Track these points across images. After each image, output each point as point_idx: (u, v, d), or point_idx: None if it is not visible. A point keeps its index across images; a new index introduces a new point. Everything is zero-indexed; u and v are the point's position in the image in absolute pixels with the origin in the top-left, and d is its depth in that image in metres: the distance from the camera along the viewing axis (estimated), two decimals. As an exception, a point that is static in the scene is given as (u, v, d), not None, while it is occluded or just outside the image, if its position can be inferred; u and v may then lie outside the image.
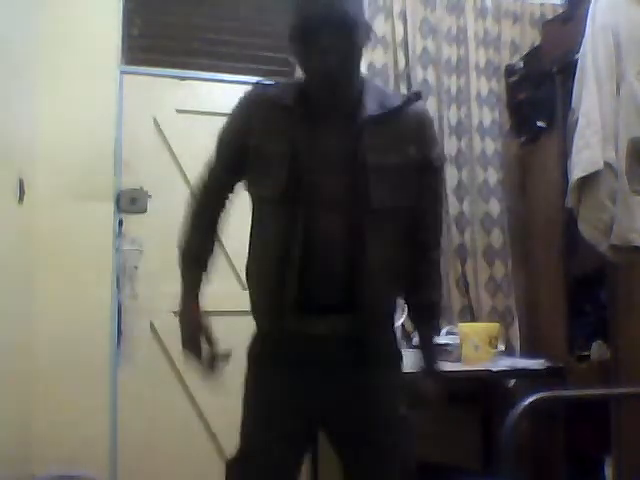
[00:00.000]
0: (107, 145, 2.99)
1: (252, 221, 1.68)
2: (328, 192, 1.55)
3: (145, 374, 3.00)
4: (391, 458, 1.65)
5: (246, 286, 1.70)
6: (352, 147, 1.55)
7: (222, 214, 1.77)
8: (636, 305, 2.59)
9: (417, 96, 1.66)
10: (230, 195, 1.76)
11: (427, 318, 1.82)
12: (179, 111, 3.15)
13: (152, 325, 3.05)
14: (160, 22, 3.18)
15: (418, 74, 3.26)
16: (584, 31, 2.66)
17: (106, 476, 2.86)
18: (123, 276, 3.03)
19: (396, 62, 3.26)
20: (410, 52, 3.25)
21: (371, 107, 1.57)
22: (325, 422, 1.68)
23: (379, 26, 3.26)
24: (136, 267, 3.05)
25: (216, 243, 1.77)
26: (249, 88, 1.70)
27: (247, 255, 1.69)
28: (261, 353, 1.68)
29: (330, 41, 1.47)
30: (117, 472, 2.93)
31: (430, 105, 3.27)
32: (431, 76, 3.29)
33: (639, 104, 2.54)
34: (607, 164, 2.55)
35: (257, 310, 1.66)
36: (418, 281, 1.75)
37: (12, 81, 2.55)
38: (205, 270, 1.74)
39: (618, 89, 2.58)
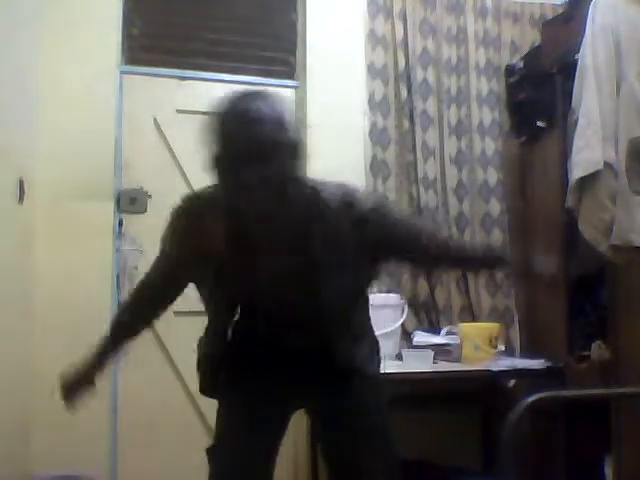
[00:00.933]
0: (107, 145, 2.99)
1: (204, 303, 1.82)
2: (274, 288, 1.64)
3: (145, 374, 3.00)
4: (370, 443, 1.75)
5: None
6: (297, 242, 1.62)
7: (165, 305, 1.87)
8: (636, 305, 2.59)
9: (347, 193, 1.70)
10: (178, 293, 1.83)
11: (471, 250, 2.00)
12: (179, 111, 3.15)
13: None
14: (160, 22, 3.18)
15: (418, 74, 3.27)
16: (584, 31, 2.65)
17: (106, 476, 2.86)
18: (123, 276, 3.03)
19: (396, 62, 3.27)
20: (410, 52, 3.26)
21: (306, 208, 1.63)
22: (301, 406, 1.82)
23: (379, 26, 3.27)
24: (136, 267, 3.05)
25: (146, 328, 1.90)
26: (180, 202, 1.77)
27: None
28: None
29: (258, 171, 1.48)
30: (117, 472, 2.93)
31: (430, 105, 3.28)
32: (431, 76, 3.30)
33: (639, 104, 2.54)
34: (607, 164, 2.55)
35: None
36: (441, 250, 1.84)
37: (12, 81, 2.55)
38: (120, 347, 1.87)
39: (618, 89, 2.58)
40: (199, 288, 1.80)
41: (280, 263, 1.63)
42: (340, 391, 1.72)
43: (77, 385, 1.84)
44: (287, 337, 1.67)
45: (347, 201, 1.67)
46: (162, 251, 1.80)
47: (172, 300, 1.84)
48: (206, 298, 1.80)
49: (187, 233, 1.71)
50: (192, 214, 1.71)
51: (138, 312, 1.85)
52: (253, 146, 1.47)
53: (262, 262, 1.63)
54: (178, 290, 1.81)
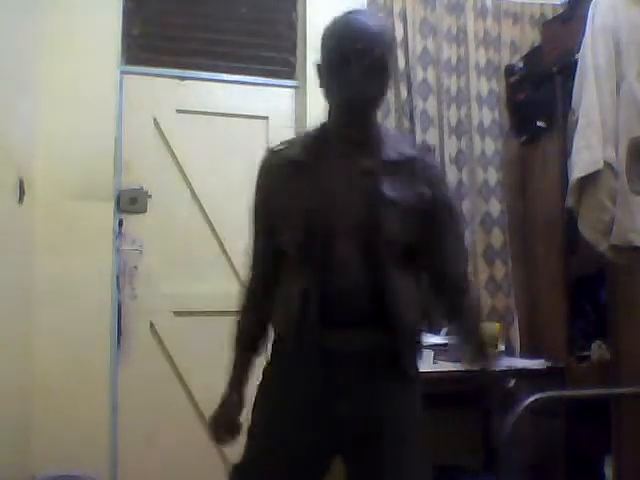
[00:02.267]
0: (107, 145, 2.99)
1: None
2: (345, 230, 1.59)
3: (145, 374, 3.00)
4: (406, 475, 1.64)
5: None
6: (369, 187, 1.59)
7: (272, 282, 1.72)
8: (636, 305, 2.59)
9: (429, 149, 1.70)
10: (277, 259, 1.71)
11: (471, 341, 1.83)
12: (179, 111, 3.15)
13: (152, 325, 3.05)
14: (160, 22, 3.18)
15: (418, 74, 3.26)
16: (584, 31, 2.66)
17: (106, 476, 2.86)
18: (123, 276, 3.03)
19: (396, 62, 3.26)
20: (410, 52, 3.25)
21: (386, 151, 1.63)
22: (341, 446, 1.68)
23: (379, 26, 3.27)
24: (136, 267, 3.05)
25: (269, 324, 1.74)
26: (264, 153, 1.73)
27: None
28: (281, 370, 1.68)
29: (363, 72, 1.53)
30: (117, 472, 2.93)
31: (430, 105, 3.27)
32: (431, 76, 3.29)
33: (639, 104, 2.54)
34: (607, 164, 2.55)
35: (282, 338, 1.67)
36: (456, 312, 1.79)
37: (12, 81, 2.54)
38: (255, 352, 1.77)
39: (618, 89, 2.58)
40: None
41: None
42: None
43: (226, 422, 1.77)
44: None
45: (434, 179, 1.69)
46: (254, 225, 1.75)
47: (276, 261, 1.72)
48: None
49: (266, 190, 1.70)
50: (270, 171, 1.70)
51: (260, 309, 1.75)
52: (373, 52, 1.54)
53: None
54: (275, 269, 1.71)
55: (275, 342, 1.70)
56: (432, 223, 1.65)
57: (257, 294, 1.75)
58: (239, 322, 1.77)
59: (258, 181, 1.73)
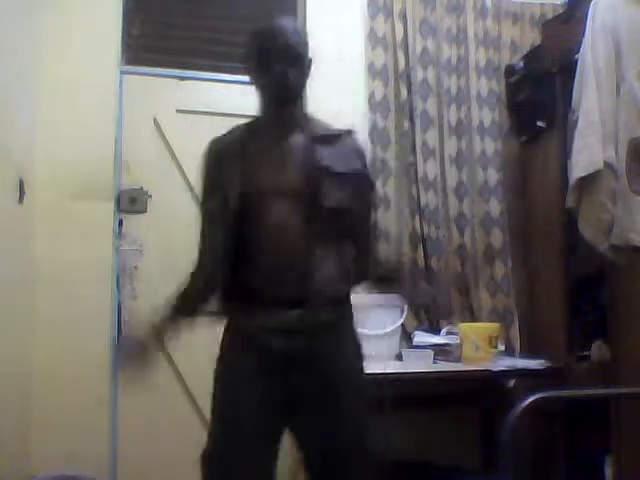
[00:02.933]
0: (107, 145, 2.99)
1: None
2: (282, 194, 1.75)
3: (145, 374, 3.00)
4: (352, 440, 1.76)
5: None
6: (303, 157, 1.79)
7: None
8: (636, 305, 2.59)
9: (352, 132, 1.94)
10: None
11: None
12: (179, 111, 3.15)
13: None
14: (160, 22, 3.18)
15: (418, 74, 3.27)
16: (584, 31, 2.66)
17: (106, 476, 2.86)
18: (123, 276, 3.03)
19: (396, 62, 3.26)
20: (410, 52, 3.26)
21: (315, 129, 1.85)
22: (290, 411, 1.78)
23: (379, 26, 3.27)
24: (136, 267, 3.05)
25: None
26: (207, 144, 1.92)
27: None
28: (229, 347, 1.84)
29: (286, 67, 1.76)
30: (117, 472, 2.93)
31: (430, 105, 3.28)
32: (431, 76, 3.30)
33: (639, 104, 2.54)
34: (607, 164, 2.55)
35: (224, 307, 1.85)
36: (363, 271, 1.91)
37: (12, 81, 2.55)
38: (194, 307, 1.92)
39: (618, 89, 2.58)
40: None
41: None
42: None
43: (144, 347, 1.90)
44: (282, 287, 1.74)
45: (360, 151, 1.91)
46: (201, 208, 1.98)
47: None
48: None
49: (210, 173, 1.89)
50: (212, 155, 1.90)
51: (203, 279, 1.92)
52: (287, 46, 1.78)
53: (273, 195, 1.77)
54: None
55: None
56: (360, 193, 1.84)
57: (205, 269, 1.91)
58: (186, 284, 1.94)
59: (202, 168, 1.91)
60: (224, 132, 1.93)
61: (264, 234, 1.75)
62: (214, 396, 1.83)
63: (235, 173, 1.78)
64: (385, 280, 2.03)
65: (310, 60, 1.87)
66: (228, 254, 1.78)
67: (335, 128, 1.91)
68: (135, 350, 1.89)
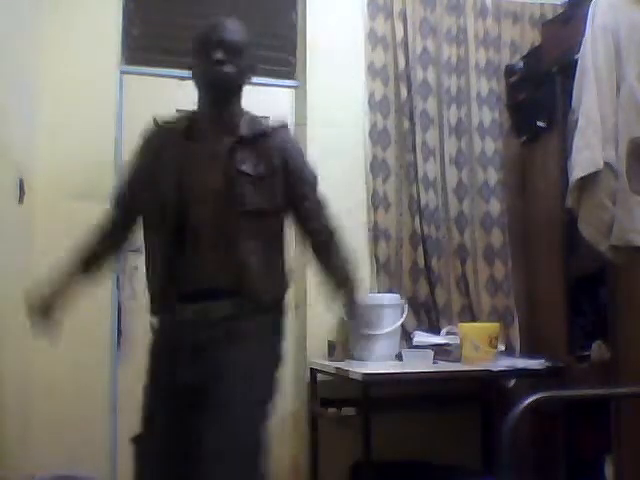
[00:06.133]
0: (107, 145, 2.99)
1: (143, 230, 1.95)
2: (203, 195, 1.83)
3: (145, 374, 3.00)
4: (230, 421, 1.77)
5: None
6: (225, 160, 1.84)
7: (124, 239, 2.06)
8: (636, 305, 2.59)
9: (283, 124, 2.00)
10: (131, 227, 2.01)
11: (346, 286, 1.99)
12: (179, 111, 3.14)
13: (152, 325, 3.04)
14: (160, 22, 3.18)
15: (418, 74, 3.27)
16: (584, 31, 2.66)
17: (106, 476, 2.86)
18: (123, 276, 3.03)
19: (396, 62, 3.27)
20: (410, 52, 3.26)
21: (243, 129, 1.89)
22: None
23: (379, 26, 3.27)
24: (136, 267, 3.04)
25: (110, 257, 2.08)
26: (151, 122, 1.97)
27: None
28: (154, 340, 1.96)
29: (225, 56, 1.83)
30: (117, 472, 2.93)
31: (430, 105, 3.28)
32: (431, 76, 3.30)
33: (639, 104, 2.54)
34: (607, 164, 2.55)
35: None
36: (327, 261, 1.97)
37: (12, 81, 2.54)
38: (91, 264, 2.06)
39: (618, 89, 2.58)
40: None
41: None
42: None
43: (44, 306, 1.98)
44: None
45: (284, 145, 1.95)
46: (124, 176, 2.03)
47: (126, 235, 2.04)
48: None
49: (143, 158, 1.95)
50: (149, 141, 1.96)
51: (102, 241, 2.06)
52: (226, 38, 1.87)
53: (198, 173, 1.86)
54: (131, 220, 2.00)
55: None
56: (288, 188, 1.90)
57: (108, 229, 2.04)
58: (87, 240, 2.06)
59: (139, 144, 1.96)
60: (166, 118, 1.99)
61: (188, 234, 1.82)
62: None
63: (171, 169, 1.85)
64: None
65: (251, 67, 1.93)
66: (169, 253, 1.84)
67: (264, 125, 1.95)
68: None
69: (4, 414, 2.40)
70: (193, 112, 1.95)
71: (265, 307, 1.87)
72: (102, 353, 2.92)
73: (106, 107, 2.99)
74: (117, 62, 3.07)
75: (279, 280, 1.94)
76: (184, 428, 1.82)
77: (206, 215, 1.82)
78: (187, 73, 1.94)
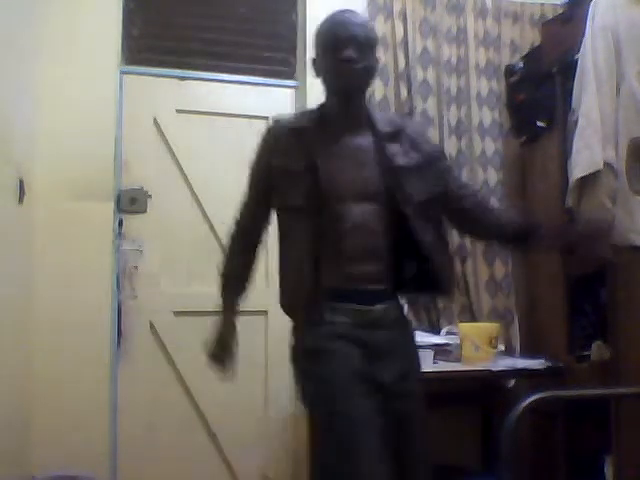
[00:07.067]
0: (107, 145, 2.99)
1: (280, 232, 1.87)
2: (360, 198, 1.77)
3: (145, 374, 3.00)
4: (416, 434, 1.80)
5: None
6: (376, 158, 1.81)
7: (259, 242, 1.98)
8: (636, 305, 2.58)
9: (410, 114, 2.04)
10: (265, 224, 1.95)
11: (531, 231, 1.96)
12: (179, 111, 3.15)
13: (152, 325, 3.05)
14: (160, 22, 3.18)
15: (418, 74, 3.26)
16: (584, 31, 2.65)
17: (106, 476, 2.86)
18: (123, 276, 3.03)
19: (396, 62, 3.26)
20: (410, 52, 3.25)
21: (381, 126, 1.85)
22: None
23: (379, 26, 3.26)
24: (136, 267, 3.05)
25: (253, 268, 1.99)
26: (270, 122, 1.91)
27: (279, 262, 1.87)
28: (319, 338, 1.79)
29: (355, 54, 1.76)
30: (117, 472, 2.94)
31: (430, 105, 3.27)
32: (431, 76, 3.29)
33: (639, 104, 2.54)
34: (607, 164, 2.55)
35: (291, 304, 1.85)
36: (494, 218, 1.99)
37: (12, 81, 2.54)
38: (242, 292, 1.98)
39: (618, 89, 2.58)
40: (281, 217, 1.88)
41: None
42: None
43: (222, 352, 1.95)
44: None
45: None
46: (248, 183, 1.96)
47: (262, 233, 1.96)
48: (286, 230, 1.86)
49: (267, 153, 1.88)
50: (273, 136, 1.89)
51: (242, 258, 1.98)
52: (357, 34, 1.78)
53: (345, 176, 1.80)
54: (265, 220, 1.94)
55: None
56: (438, 172, 1.89)
57: (242, 244, 1.97)
58: (227, 265, 1.98)
59: (262, 144, 1.89)
60: (286, 115, 1.96)
61: (343, 236, 1.76)
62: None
63: (312, 167, 1.77)
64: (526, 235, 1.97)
65: (377, 60, 1.87)
66: (315, 249, 1.77)
67: (395, 119, 1.99)
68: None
69: (4, 414, 2.40)
70: (320, 108, 1.89)
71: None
72: (102, 353, 2.92)
73: (106, 107, 2.99)
74: (117, 62, 3.06)
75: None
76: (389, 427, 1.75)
77: (367, 217, 1.78)
78: (313, 69, 1.87)
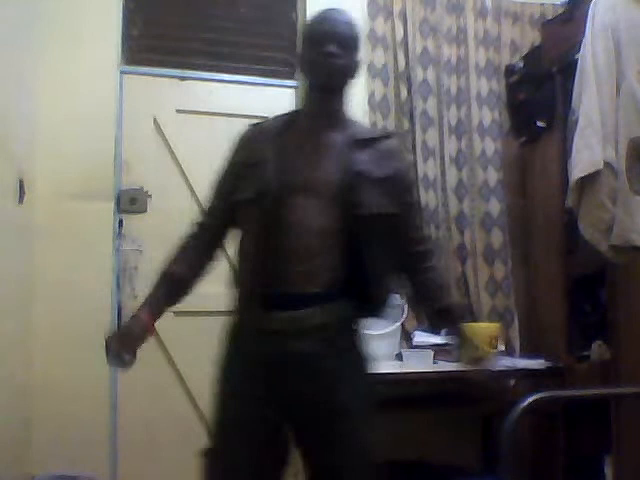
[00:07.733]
0: (107, 145, 2.99)
1: (239, 228, 1.83)
2: (312, 194, 1.71)
3: (145, 374, 3.00)
4: (349, 447, 1.71)
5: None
6: (340, 158, 1.75)
7: (217, 244, 1.92)
8: (636, 305, 2.59)
9: (392, 134, 1.98)
10: (226, 226, 1.87)
11: (450, 320, 1.93)
12: (179, 111, 3.15)
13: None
14: (160, 22, 3.18)
15: (418, 74, 3.27)
16: (584, 31, 2.65)
17: (106, 476, 2.86)
18: (123, 276, 3.03)
19: (396, 62, 3.26)
20: (410, 52, 3.26)
21: (356, 130, 1.83)
22: (290, 415, 1.74)
23: (379, 26, 3.27)
24: (136, 267, 3.05)
25: (203, 272, 1.95)
26: (244, 128, 1.88)
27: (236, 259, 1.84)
28: (234, 347, 1.81)
29: (338, 49, 1.74)
30: (117, 472, 2.94)
31: (430, 105, 3.28)
32: (431, 76, 3.29)
33: (639, 104, 2.54)
34: (607, 164, 2.55)
35: (239, 307, 1.82)
36: (425, 288, 1.92)
37: (12, 81, 2.54)
38: (177, 293, 1.96)
39: (618, 89, 2.58)
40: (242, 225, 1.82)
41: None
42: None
43: (122, 342, 1.88)
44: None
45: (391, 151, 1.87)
46: (213, 184, 1.91)
47: (219, 243, 1.92)
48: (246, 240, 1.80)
49: (234, 153, 1.87)
50: (242, 137, 1.88)
51: (187, 261, 1.94)
52: (339, 30, 1.77)
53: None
54: (225, 229, 1.88)
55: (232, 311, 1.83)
56: (396, 196, 1.79)
57: (200, 242, 1.91)
58: (170, 258, 1.95)
59: (233, 148, 1.87)
60: (263, 120, 1.93)
61: (285, 230, 1.69)
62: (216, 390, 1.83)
63: (267, 160, 1.74)
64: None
65: (360, 62, 1.84)
66: (264, 246, 1.71)
67: (373, 131, 1.99)
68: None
69: (4, 414, 2.40)
70: (296, 111, 1.90)
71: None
72: (102, 353, 2.91)
73: (106, 107, 2.99)
74: (117, 62, 3.07)
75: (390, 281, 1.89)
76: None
77: (315, 214, 1.70)
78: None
